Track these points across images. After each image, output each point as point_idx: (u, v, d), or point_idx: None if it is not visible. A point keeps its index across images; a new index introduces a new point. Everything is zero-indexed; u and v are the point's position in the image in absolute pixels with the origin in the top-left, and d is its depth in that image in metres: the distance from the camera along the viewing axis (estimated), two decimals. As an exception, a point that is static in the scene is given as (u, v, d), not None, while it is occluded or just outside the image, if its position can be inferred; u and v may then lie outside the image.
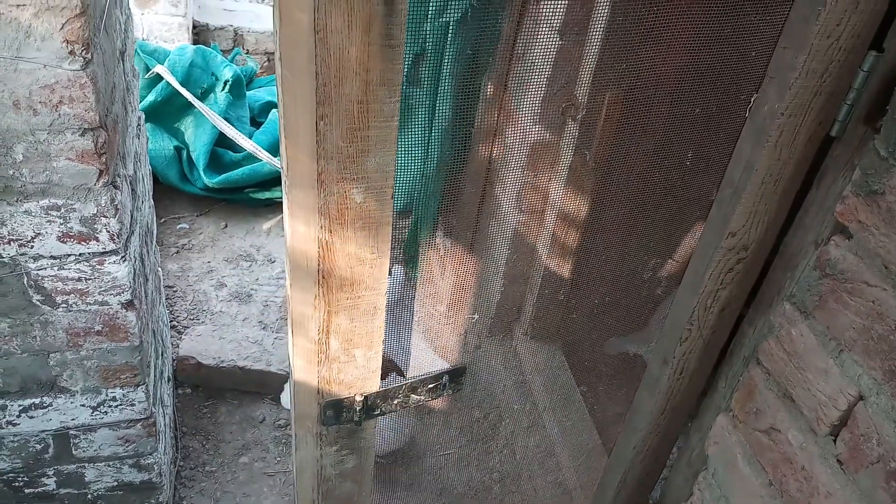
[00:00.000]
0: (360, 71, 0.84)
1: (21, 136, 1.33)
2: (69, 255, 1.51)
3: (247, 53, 3.96)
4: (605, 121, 1.24)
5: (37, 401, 1.71)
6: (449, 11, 2.12)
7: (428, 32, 2.30)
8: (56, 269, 1.51)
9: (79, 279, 1.54)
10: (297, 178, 0.90)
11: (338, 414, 1.18)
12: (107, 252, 1.52)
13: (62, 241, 1.48)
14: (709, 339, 1.42)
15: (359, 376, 1.16)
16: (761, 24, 1.06)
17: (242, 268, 3.07)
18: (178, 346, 2.56)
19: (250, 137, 3.26)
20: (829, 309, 1.13)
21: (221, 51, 3.84)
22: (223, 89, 3.22)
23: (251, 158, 3.19)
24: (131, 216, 1.64)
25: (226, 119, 3.16)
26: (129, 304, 1.62)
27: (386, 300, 1.07)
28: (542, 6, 2.04)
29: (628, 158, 1.16)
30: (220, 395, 2.55)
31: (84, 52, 1.28)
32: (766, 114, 1.13)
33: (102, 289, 1.57)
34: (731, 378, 1.44)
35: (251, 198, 3.27)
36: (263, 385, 2.56)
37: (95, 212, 1.45)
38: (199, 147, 3.10)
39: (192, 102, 3.03)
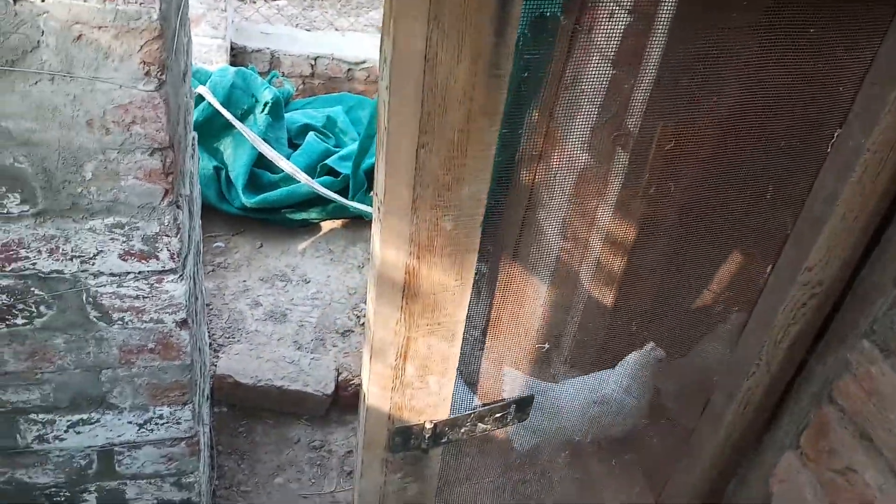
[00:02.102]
0: (465, 100, 0.83)
1: (92, 155, 1.34)
2: (129, 273, 1.51)
3: (283, 76, 3.99)
4: (665, 152, 1.23)
5: (85, 416, 1.71)
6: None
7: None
8: (115, 286, 1.51)
9: (136, 297, 1.54)
10: (393, 204, 0.89)
11: (406, 441, 1.17)
12: (166, 271, 1.52)
13: (123, 259, 1.48)
14: (776, 375, 1.40)
15: (430, 403, 1.14)
16: (847, 60, 1.05)
17: (277, 287, 3.07)
18: (215, 365, 2.55)
19: (288, 159, 3.28)
20: (914, 348, 1.11)
21: (258, 73, 3.87)
22: (263, 111, 3.24)
23: (289, 180, 3.21)
24: (189, 236, 1.65)
25: (265, 140, 3.17)
26: (183, 323, 1.61)
27: (464, 327, 1.06)
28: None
29: (692, 190, 1.15)
30: (256, 414, 2.53)
31: (159, 73, 1.29)
32: (850, 149, 1.12)
33: (159, 307, 1.57)
34: (796, 414, 1.42)
35: (287, 218, 3.28)
36: (300, 405, 2.55)
37: (158, 231, 1.45)
38: (238, 167, 3.12)
39: (233, 123, 3.05)
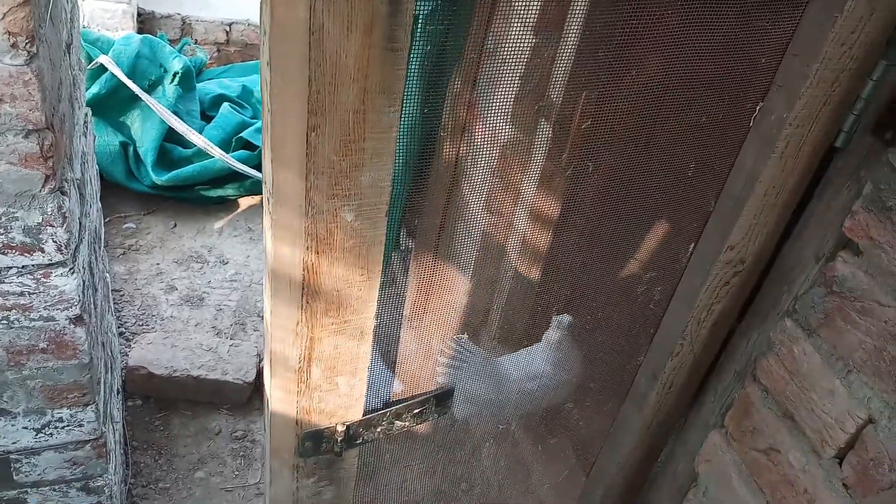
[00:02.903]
0: (359, 77, 0.75)
1: (-46, 139, 1.19)
2: (10, 268, 1.37)
3: (195, 43, 3.78)
4: (583, 125, 1.17)
5: (-28, 424, 1.57)
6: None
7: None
8: (-5, 283, 1.37)
9: (21, 293, 1.40)
10: (283, 195, 0.80)
11: (317, 445, 1.09)
12: (53, 264, 1.39)
13: (2, 253, 1.34)
14: (699, 354, 1.38)
15: (341, 405, 1.06)
16: (770, 29, 1.00)
17: (193, 270, 2.92)
18: (126, 355, 2.41)
19: (201, 132, 3.11)
20: (835, 327, 1.09)
21: (169, 40, 3.65)
22: (172, 82, 3.05)
23: (202, 155, 3.04)
24: (80, 224, 1.51)
25: (175, 113, 2.99)
26: (77, 320, 1.48)
27: (374, 324, 0.98)
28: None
29: (609, 165, 1.09)
30: (172, 406, 2.41)
31: (28, 44, 1.15)
32: (772, 123, 1.08)
33: (48, 303, 1.43)
34: (720, 392, 1.40)
35: (202, 196, 3.12)
36: (219, 395, 2.44)
37: (41, 220, 1.32)
38: (146, 143, 2.94)
39: (139, 95, 2.86)
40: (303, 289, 0.90)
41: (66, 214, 1.35)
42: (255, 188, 3.23)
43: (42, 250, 1.36)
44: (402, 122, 0.80)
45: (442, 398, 1.18)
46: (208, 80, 3.56)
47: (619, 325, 1.30)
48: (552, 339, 1.32)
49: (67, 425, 1.65)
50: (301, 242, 0.85)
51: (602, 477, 1.61)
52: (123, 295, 2.73)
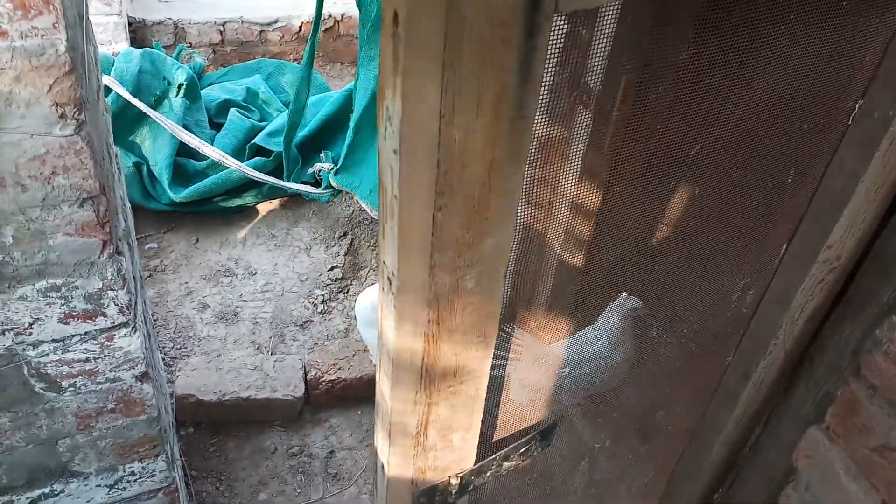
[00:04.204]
0: (487, 150, 0.69)
1: (9, 217, 1.13)
2: (73, 336, 1.32)
3: (190, 47, 3.66)
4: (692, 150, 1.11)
5: (46, 490, 1.53)
6: None
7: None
8: (60, 352, 1.33)
9: (86, 359, 1.36)
10: (409, 278, 0.75)
11: (431, 500, 1.06)
12: (116, 326, 1.34)
13: (65, 323, 1.29)
14: (791, 350, 1.34)
15: (454, 459, 1.03)
16: (869, 27, 0.94)
17: (223, 284, 2.87)
18: (172, 383, 2.37)
19: (211, 142, 3.03)
20: (955, 327, 1.05)
21: (163, 47, 3.54)
22: (178, 94, 2.96)
23: (216, 166, 2.97)
24: (134, 278, 1.46)
25: (184, 126, 2.91)
26: (143, 376, 1.44)
27: (488, 378, 0.95)
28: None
29: (715, 184, 1.04)
30: (225, 429, 2.38)
31: (77, 113, 1.09)
32: (875, 122, 1.03)
33: (114, 365, 1.39)
34: (812, 385, 1.37)
35: (221, 207, 3.06)
36: (270, 412, 2.41)
37: (101, 286, 1.27)
38: (159, 160, 2.86)
39: (147, 113, 2.77)
40: (422, 361, 0.85)
41: (126, 276, 1.30)
42: (273, 193, 3.17)
43: (104, 314, 1.31)
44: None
45: (546, 432, 1.15)
46: (210, 84, 3.46)
47: (712, 331, 1.26)
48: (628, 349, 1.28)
49: (140, 478, 1.62)
50: (423, 319, 0.80)
51: (689, 475, 1.60)
52: (157, 319, 2.69)
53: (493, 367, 1.01)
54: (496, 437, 1.11)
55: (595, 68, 0.76)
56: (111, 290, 1.27)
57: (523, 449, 1.13)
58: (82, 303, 1.27)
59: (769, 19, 0.83)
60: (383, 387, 0.90)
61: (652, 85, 0.81)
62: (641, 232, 0.98)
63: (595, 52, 0.74)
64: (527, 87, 0.66)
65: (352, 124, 2.66)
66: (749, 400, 1.42)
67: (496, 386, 1.05)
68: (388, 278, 0.78)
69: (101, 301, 1.28)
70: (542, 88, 0.68)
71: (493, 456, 1.09)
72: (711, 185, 0.97)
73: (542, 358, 1.06)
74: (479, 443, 1.06)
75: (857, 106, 1.04)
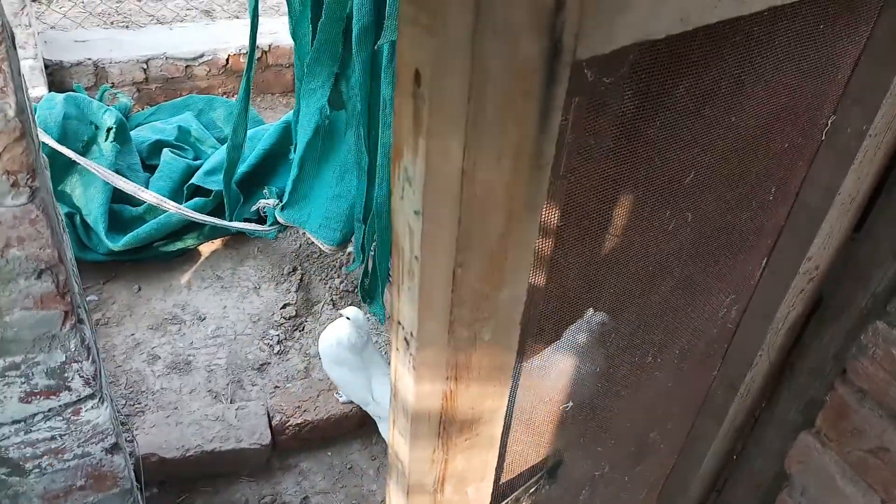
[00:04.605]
0: (506, 201, 0.67)
1: (-39, 297, 1.04)
2: (36, 415, 1.23)
3: (113, 87, 3.52)
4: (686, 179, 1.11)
5: (12, 579, 1.42)
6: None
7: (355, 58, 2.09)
8: (22, 434, 1.23)
9: (52, 437, 1.27)
10: (427, 335, 0.72)
11: (444, 553, 1.02)
12: (82, 399, 1.26)
13: (26, 402, 1.20)
14: (774, 359, 1.36)
15: (468, 510, 0.99)
16: (839, 45, 0.96)
17: (172, 333, 2.75)
18: (131, 443, 2.25)
19: (146, 186, 2.91)
20: (938, 327, 1.09)
21: (84, 89, 3.39)
22: (107, 139, 2.83)
23: (154, 210, 2.85)
24: (94, 343, 1.37)
25: (116, 171, 2.78)
26: (113, 448, 1.35)
27: (502, 426, 0.92)
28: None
29: (701, 208, 1.04)
30: (191, 486, 2.27)
31: (30, 180, 1.01)
32: (850, 136, 1.05)
33: (82, 440, 1.30)
34: (795, 392, 1.39)
35: (162, 252, 2.93)
36: (237, 463, 2.31)
37: (64, 359, 1.18)
38: (93, 209, 2.72)
39: (76, 160, 2.64)
40: (440, 419, 0.82)
41: (89, 345, 1.21)
42: (216, 233, 3.06)
43: (69, 388, 1.22)
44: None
45: (553, 469, 1.12)
46: (138, 125, 3.32)
47: (701, 348, 1.27)
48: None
49: (113, 554, 1.52)
50: (442, 375, 0.77)
51: (680, 489, 1.60)
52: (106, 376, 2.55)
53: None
54: (504, 479, 1.08)
55: (608, 111, 0.75)
56: (75, 361, 1.19)
57: (532, 489, 1.10)
58: (44, 379, 1.18)
59: (758, 44, 0.84)
60: (399, 447, 0.86)
61: (651, 118, 0.80)
62: (636, 258, 0.97)
63: (608, 95, 0.73)
64: (545, 137, 0.64)
65: (296, 158, 2.60)
66: (736, 411, 1.43)
67: (505, 430, 1.02)
68: (406, 339, 0.74)
69: (65, 375, 1.19)
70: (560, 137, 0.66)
71: (504, 502, 1.06)
72: (704, 209, 0.97)
73: (546, 396, 1.04)
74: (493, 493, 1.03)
75: (829, 122, 1.07)
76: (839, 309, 1.28)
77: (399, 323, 0.74)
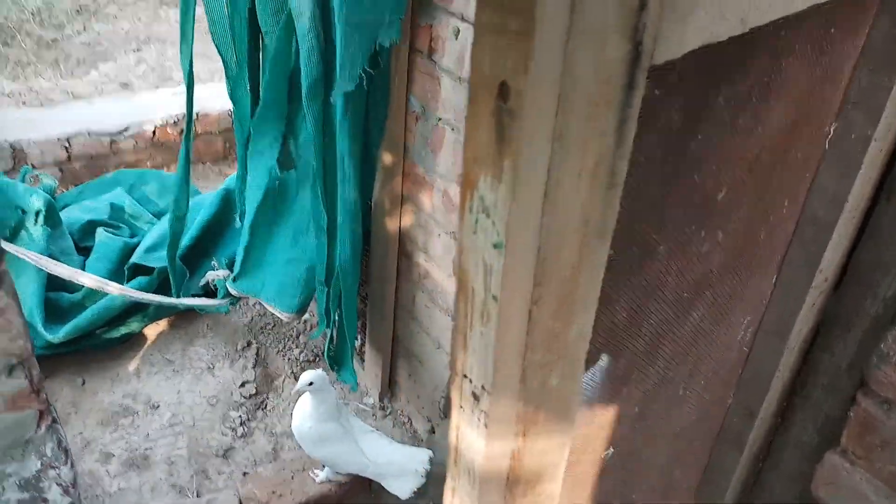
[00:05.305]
0: (580, 226, 0.61)
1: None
2: (4, 535, 1.07)
3: (34, 168, 3.32)
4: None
5: None
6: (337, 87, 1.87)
7: (307, 111, 2.02)
8: (-11, 559, 1.06)
9: (23, 559, 1.10)
10: (499, 390, 0.64)
11: None
12: (57, 509, 1.10)
13: (-7, 521, 1.04)
14: (787, 379, 1.33)
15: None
16: (837, 51, 0.96)
17: (124, 427, 2.54)
18: (89, 555, 2.03)
19: (83, 269, 2.72)
20: (964, 326, 1.08)
21: (3, 173, 3.18)
22: (36, 223, 2.65)
23: (93, 295, 2.67)
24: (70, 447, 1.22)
25: (49, 257, 2.60)
26: (93, 562, 1.19)
27: (561, 480, 0.84)
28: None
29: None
30: None
31: (-5, 263, 0.89)
32: (853, 142, 1.05)
33: (57, 558, 1.14)
34: (810, 411, 1.36)
35: (105, 339, 2.74)
36: (211, 561, 2.12)
37: (40, 466, 1.04)
38: (28, 301, 2.52)
39: (5, 248, 2.44)
40: (507, 479, 0.74)
41: (67, 447, 1.07)
42: (161, 313, 2.89)
43: (45, 500, 1.07)
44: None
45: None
46: (64, 206, 3.14)
47: (721, 377, 1.23)
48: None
49: None
50: (511, 431, 0.69)
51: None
52: (52, 482, 2.32)
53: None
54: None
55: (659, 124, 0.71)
56: (52, 468, 1.05)
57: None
58: (16, 492, 1.03)
59: (778, 52, 0.82)
60: (461, 518, 0.77)
61: (692, 130, 0.76)
62: (675, 283, 0.93)
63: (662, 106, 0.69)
64: (620, 152, 0.59)
65: (246, 224, 2.49)
66: (755, 438, 1.39)
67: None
68: (474, 394, 0.66)
69: (41, 485, 1.05)
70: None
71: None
72: (733, 227, 0.94)
73: (591, 443, 0.97)
74: None
75: (832, 129, 1.06)
76: (849, 319, 1.26)
77: (465, 376, 0.66)
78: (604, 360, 0.93)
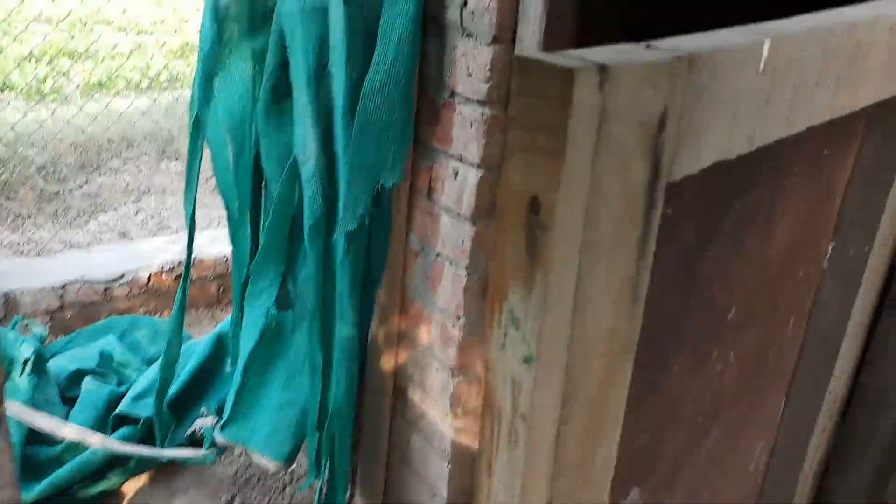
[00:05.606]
0: (608, 342, 0.60)
1: None
2: None
3: (23, 317, 3.29)
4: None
5: None
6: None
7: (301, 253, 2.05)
8: None
9: None
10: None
11: None
12: None
13: None
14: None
15: None
16: (828, 175, 1.00)
17: (99, 590, 2.35)
18: None
19: (66, 419, 2.63)
20: None
21: (-7, 324, 3.15)
22: (23, 372, 2.58)
23: (73, 448, 2.55)
24: None
25: (33, 407, 2.52)
26: None
27: None
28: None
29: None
30: None
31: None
32: (851, 258, 1.07)
33: None
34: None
35: (80, 498, 2.59)
36: None
37: None
38: (7, 453, 2.41)
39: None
40: None
41: None
42: (143, 467, 2.76)
43: None
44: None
45: None
46: (53, 355, 3.08)
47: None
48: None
49: None
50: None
51: None
52: None
53: None
54: None
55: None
56: None
57: None
58: None
59: (779, 172, 0.85)
60: None
61: (702, 249, 0.78)
62: (690, 407, 0.91)
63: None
64: (643, 265, 0.60)
65: (238, 367, 2.44)
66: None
67: None
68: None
69: None
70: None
71: None
72: (743, 347, 0.94)
73: None
74: None
75: (830, 248, 1.09)
76: (862, 442, 1.23)
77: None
78: (634, 494, 0.89)
